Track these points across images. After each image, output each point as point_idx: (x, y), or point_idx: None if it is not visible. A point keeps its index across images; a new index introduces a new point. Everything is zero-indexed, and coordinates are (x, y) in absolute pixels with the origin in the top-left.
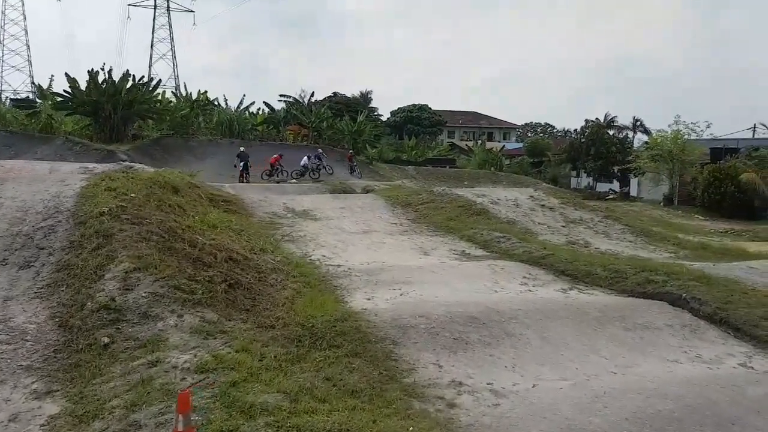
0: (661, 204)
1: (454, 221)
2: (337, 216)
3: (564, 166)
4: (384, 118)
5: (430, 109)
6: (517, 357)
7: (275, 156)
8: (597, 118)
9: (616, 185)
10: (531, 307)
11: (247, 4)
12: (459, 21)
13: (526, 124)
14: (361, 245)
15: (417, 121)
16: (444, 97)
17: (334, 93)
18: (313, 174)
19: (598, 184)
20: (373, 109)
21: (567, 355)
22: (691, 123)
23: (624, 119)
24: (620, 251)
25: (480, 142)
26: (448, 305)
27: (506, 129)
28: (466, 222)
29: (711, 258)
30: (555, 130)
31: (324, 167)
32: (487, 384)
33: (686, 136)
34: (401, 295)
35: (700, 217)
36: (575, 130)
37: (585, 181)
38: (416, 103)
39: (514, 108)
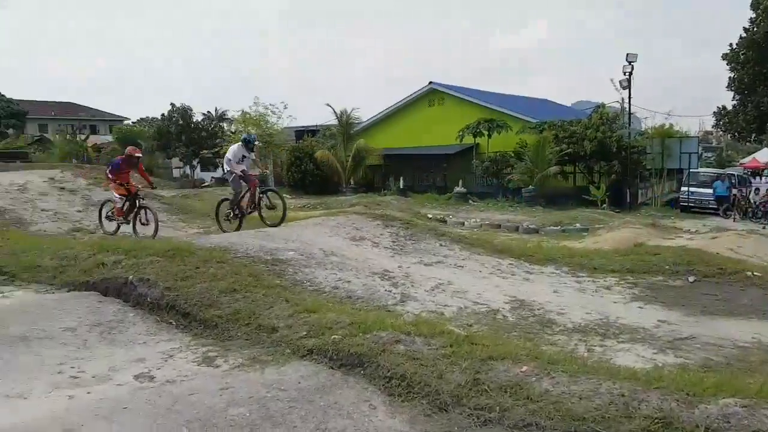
0: None
1: None
2: None
3: (157, 155)
4: None
5: (3, 96)
6: None
7: None
8: (183, 103)
9: (218, 173)
10: None
11: None
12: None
13: (141, 119)
14: None
15: None
16: (46, 91)
17: None
18: None
19: (197, 172)
20: None
21: None
22: (270, 104)
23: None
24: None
25: (68, 135)
26: None
27: (113, 122)
28: None
29: None
30: None
31: None
32: None
33: (268, 117)
34: None
35: (288, 196)
36: (162, 115)
37: (187, 169)
38: None
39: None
